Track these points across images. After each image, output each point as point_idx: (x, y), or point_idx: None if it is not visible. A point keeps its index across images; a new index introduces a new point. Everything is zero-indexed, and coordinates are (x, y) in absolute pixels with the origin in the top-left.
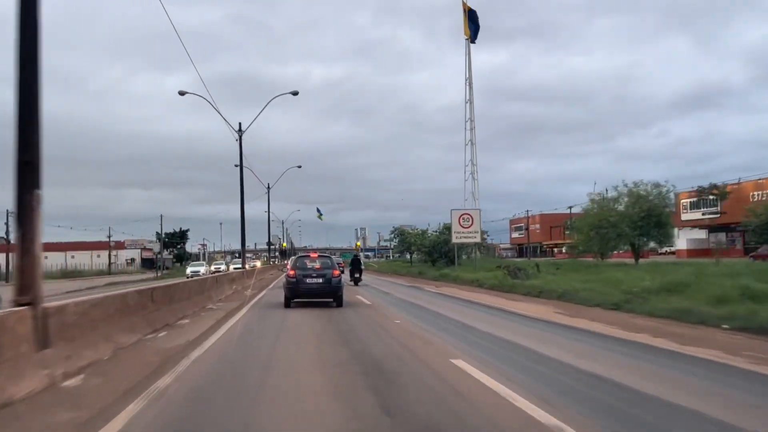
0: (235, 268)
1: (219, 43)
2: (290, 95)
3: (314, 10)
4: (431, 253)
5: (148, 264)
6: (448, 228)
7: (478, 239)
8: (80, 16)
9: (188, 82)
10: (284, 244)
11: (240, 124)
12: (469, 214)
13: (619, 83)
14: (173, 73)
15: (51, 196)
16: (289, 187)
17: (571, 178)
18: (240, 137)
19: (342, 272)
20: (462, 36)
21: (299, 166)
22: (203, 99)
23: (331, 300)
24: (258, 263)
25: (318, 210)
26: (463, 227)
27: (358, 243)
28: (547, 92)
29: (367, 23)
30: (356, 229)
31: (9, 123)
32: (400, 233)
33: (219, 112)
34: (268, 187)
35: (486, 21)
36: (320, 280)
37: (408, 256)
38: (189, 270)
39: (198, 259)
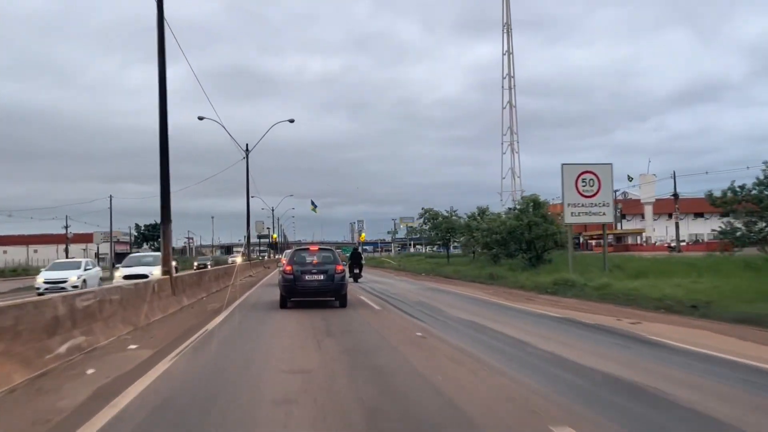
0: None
1: (215, 34)
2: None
3: (312, 1)
4: (505, 244)
5: (121, 259)
6: (535, 202)
7: (608, 216)
8: (73, 6)
9: (182, 74)
10: (274, 236)
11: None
12: (593, 174)
13: (617, 77)
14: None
15: (38, 189)
16: (282, 179)
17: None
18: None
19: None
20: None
21: (291, 120)
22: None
23: (333, 299)
24: (238, 259)
25: (312, 203)
26: (584, 194)
27: (363, 235)
28: (546, 85)
29: (365, 15)
30: (351, 223)
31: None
32: (432, 217)
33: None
34: (247, 150)
35: (487, 12)
36: (321, 277)
37: (443, 250)
38: (120, 272)
39: (186, 254)
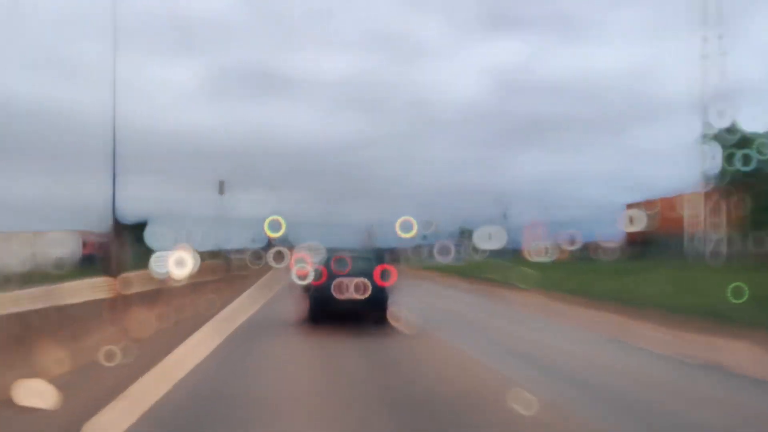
0: None
1: (231, 31)
2: None
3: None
4: None
5: (89, 261)
6: None
7: None
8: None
9: (198, 72)
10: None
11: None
12: None
13: (633, 78)
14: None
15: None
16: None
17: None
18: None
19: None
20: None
21: None
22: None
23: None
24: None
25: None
26: None
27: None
28: (562, 86)
29: (384, 13)
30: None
31: None
32: None
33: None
34: None
35: (507, 10)
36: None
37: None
38: None
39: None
